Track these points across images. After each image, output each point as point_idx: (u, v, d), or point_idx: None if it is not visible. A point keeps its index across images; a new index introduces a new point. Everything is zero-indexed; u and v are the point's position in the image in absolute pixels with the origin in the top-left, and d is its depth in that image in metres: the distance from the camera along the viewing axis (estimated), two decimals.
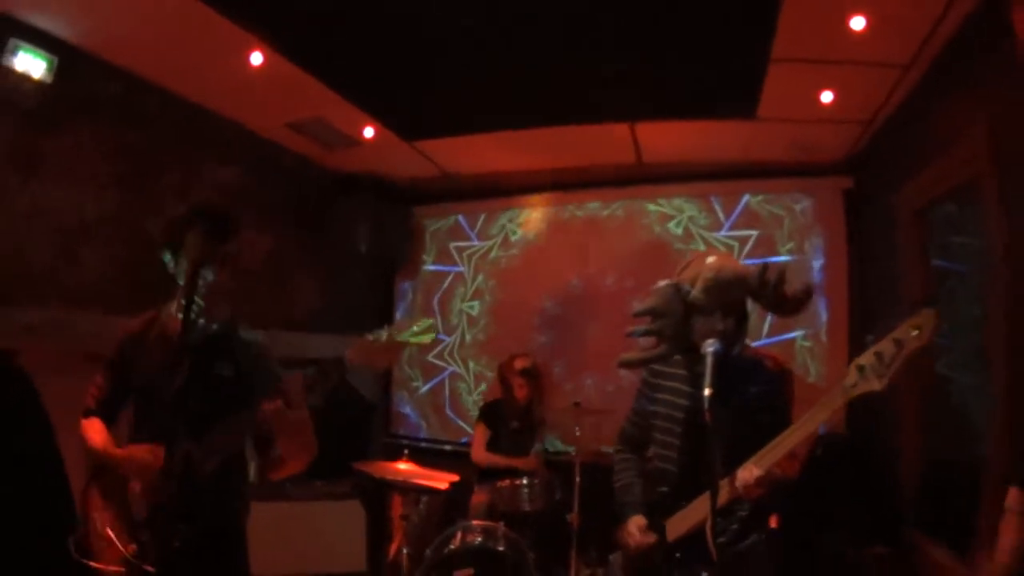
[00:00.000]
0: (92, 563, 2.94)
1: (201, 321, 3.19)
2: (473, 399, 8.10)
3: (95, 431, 3.21)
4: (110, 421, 3.29)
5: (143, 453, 3.00)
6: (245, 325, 3.41)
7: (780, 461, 2.93)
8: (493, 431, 6.72)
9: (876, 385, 2.74)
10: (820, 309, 6.90)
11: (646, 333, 3.21)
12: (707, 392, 2.75)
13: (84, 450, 3.20)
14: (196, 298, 2.95)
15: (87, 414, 3.28)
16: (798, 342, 6.95)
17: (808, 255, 7.00)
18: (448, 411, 8.28)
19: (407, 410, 8.50)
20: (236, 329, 3.36)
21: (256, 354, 3.33)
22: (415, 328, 3.00)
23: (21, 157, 4.68)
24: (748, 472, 2.90)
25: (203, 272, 3.00)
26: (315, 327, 6.54)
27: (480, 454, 6.63)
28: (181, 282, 3.19)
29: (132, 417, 3.29)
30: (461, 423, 8.10)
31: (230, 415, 3.04)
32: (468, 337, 8.23)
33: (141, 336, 3.29)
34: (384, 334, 2.98)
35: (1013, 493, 3.00)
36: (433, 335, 3.08)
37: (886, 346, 2.74)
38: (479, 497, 6.11)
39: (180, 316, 3.03)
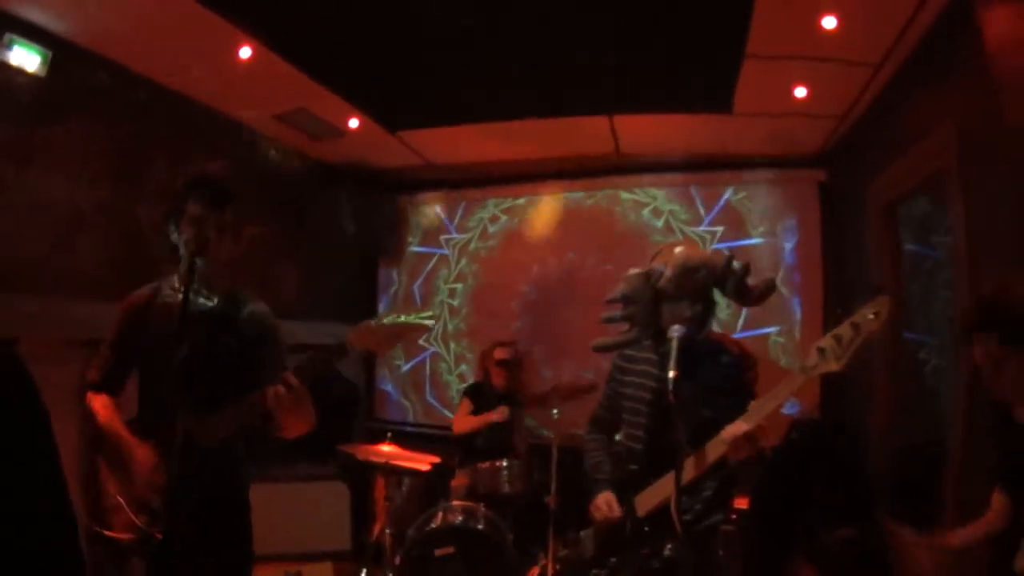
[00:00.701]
0: (105, 531, 2.99)
1: (204, 293, 3.21)
2: (453, 378, 8.26)
3: (101, 405, 3.22)
4: (115, 393, 3.29)
5: (144, 450, 3.02)
6: (251, 296, 3.40)
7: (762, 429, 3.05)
8: (476, 408, 6.86)
9: (834, 366, 2.87)
10: (794, 305, 7.04)
11: (619, 319, 3.35)
12: (671, 374, 2.88)
13: (90, 423, 3.20)
14: (197, 269, 2.97)
15: (92, 387, 3.28)
16: (772, 338, 7.09)
17: (782, 247, 7.14)
18: (428, 389, 8.41)
19: (388, 387, 8.63)
20: (240, 301, 3.34)
21: (261, 327, 3.34)
22: (417, 315, 3.08)
23: (17, 149, 4.72)
24: (736, 427, 3.00)
25: (202, 242, 3.01)
26: (300, 315, 6.62)
27: (461, 423, 6.78)
28: (183, 253, 3.11)
29: (138, 389, 3.27)
30: (439, 406, 8.27)
31: (234, 393, 3.06)
32: (450, 325, 8.28)
33: (143, 308, 3.27)
34: (387, 319, 3.03)
35: (996, 496, 3.14)
36: (433, 321, 3.17)
37: (844, 330, 2.88)
38: (460, 480, 6.22)
39: (181, 288, 3.02)
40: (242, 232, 3.29)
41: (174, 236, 3.21)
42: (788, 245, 7.12)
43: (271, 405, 2.98)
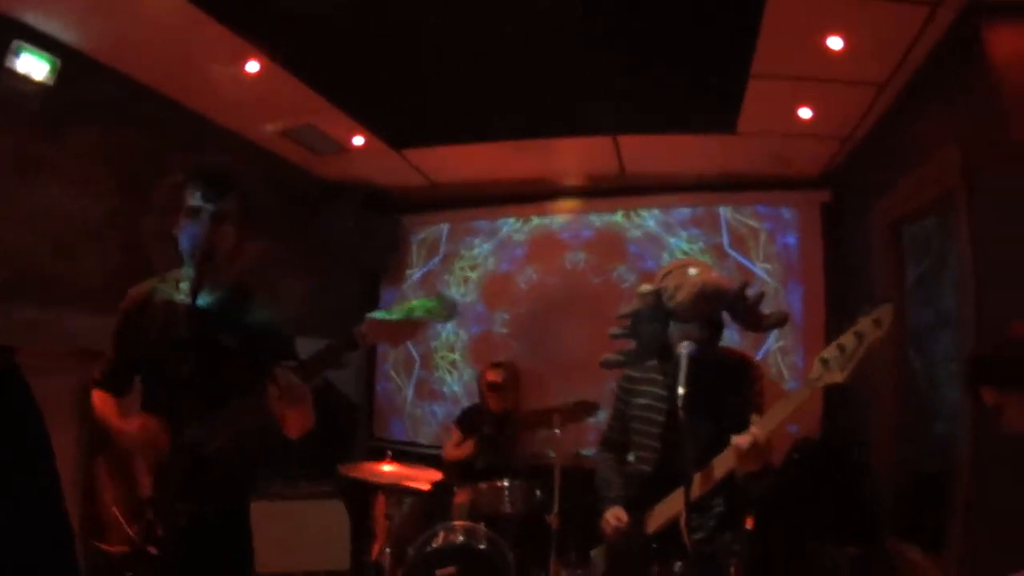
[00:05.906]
0: (98, 543, 2.85)
1: (206, 288, 2.95)
2: (443, 363, 8.37)
3: (100, 399, 3.13)
4: (119, 393, 3.18)
5: (145, 427, 2.89)
6: (257, 290, 3.27)
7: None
8: (468, 436, 6.88)
9: (839, 377, 2.84)
10: (796, 326, 7.00)
11: (627, 335, 3.33)
12: (681, 391, 2.87)
13: (92, 421, 3.10)
14: (192, 263, 2.88)
15: (96, 385, 3.17)
16: (773, 356, 7.07)
17: (785, 267, 7.13)
18: (417, 369, 8.52)
19: (386, 366, 8.73)
20: (245, 295, 3.20)
21: (266, 322, 3.18)
22: (431, 304, 2.79)
23: (22, 158, 4.69)
24: (744, 438, 2.95)
25: (202, 237, 2.90)
26: (301, 331, 6.57)
27: (450, 452, 6.91)
28: (184, 250, 2.98)
29: (141, 390, 3.13)
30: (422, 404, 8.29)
31: (236, 396, 2.84)
32: (452, 335, 8.38)
33: (141, 305, 3.14)
34: (399, 310, 2.80)
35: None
36: (453, 312, 2.90)
37: (848, 339, 2.85)
38: (461, 497, 6.18)
39: (184, 285, 2.95)
40: (246, 223, 3.14)
41: (175, 232, 3.01)
42: (791, 265, 7.11)
43: (274, 399, 2.78)
